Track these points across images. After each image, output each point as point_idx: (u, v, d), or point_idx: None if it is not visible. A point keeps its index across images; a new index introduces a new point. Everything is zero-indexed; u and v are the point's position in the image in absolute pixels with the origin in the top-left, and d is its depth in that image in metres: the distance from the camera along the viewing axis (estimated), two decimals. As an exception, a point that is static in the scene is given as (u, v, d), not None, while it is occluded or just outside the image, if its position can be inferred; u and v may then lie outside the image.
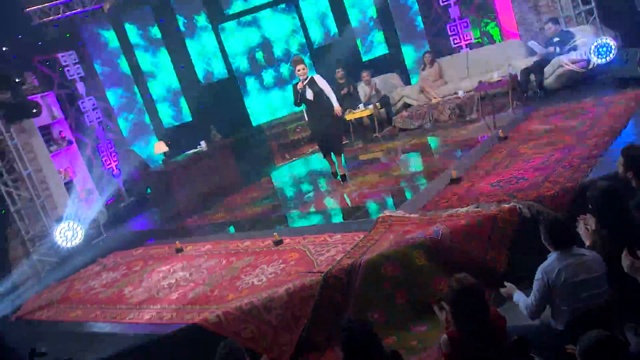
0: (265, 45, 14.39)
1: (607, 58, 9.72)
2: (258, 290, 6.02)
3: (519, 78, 10.38)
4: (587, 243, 4.33)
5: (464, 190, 6.88)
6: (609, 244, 4.09)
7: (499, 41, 13.29)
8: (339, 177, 9.28)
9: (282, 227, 8.31)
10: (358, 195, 8.63)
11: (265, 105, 14.63)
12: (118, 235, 10.69)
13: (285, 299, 5.73)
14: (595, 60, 9.77)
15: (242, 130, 13.90)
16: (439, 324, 5.63)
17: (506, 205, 5.96)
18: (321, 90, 8.81)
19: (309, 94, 8.76)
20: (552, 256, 4.08)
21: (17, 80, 10.10)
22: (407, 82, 13.70)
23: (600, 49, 9.78)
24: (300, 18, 14.28)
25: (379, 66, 13.61)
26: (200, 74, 14.15)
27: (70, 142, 12.15)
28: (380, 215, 6.79)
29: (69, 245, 9.60)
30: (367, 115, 12.00)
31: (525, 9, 12.25)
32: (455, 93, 11.52)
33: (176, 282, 7.08)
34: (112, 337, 6.28)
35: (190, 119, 13.98)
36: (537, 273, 4.12)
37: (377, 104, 12.07)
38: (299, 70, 8.76)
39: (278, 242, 7.14)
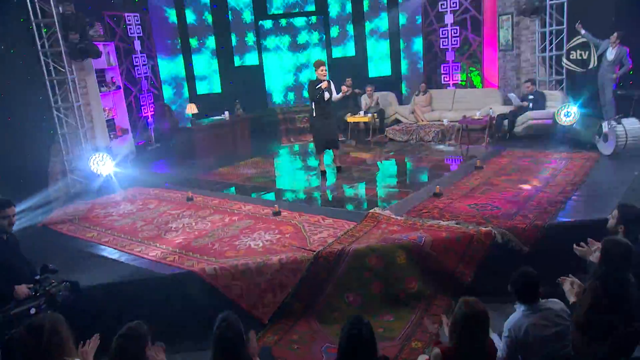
0: (292, 46, 13.43)
1: (571, 122, 9.01)
2: (254, 253, 5.24)
3: (494, 121, 9.63)
4: (572, 300, 3.60)
5: (444, 205, 6.12)
6: (597, 294, 3.34)
7: (479, 87, 12.55)
8: (325, 173, 8.37)
9: (278, 200, 7.46)
10: (340, 187, 7.82)
11: (282, 94, 13.67)
12: (141, 172, 9.75)
13: (276, 267, 4.96)
14: (560, 121, 9.05)
15: (260, 109, 12.99)
16: (403, 316, 4.94)
17: (483, 229, 5.23)
18: (331, 94, 7.97)
19: (327, 96, 7.89)
20: (519, 311, 3.35)
21: (87, 26, 9.18)
22: (401, 102, 12.85)
23: (566, 113, 9.06)
24: (327, 34, 13.36)
25: (381, 84, 12.76)
26: (236, 57, 13.15)
27: (118, 87, 11.15)
28: (370, 210, 6.00)
29: (99, 172, 8.67)
30: (364, 122, 11.19)
31: (509, 67, 11.48)
32: (440, 120, 10.74)
33: (182, 228, 6.25)
34: (118, 264, 5.40)
35: (220, 91, 13.00)
36: (504, 329, 3.39)
37: (375, 114, 11.26)
38: (322, 71, 7.84)
39: (277, 213, 6.32)
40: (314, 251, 5.06)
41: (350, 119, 11.13)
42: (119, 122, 11.22)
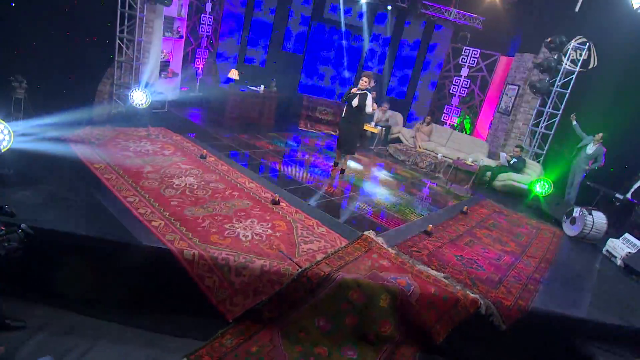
0: (333, 49, 11.46)
1: (545, 193, 7.46)
2: (239, 246, 3.61)
3: (481, 170, 8.00)
4: None
5: (433, 247, 4.53)
6: None
7: (468, 133, 10.87)
8: (338, 164, 6.78)
9: (280, 181, 5.80)
10: (342, 185, 6.17)
11: (313, 84, 11.71)
12: (174, 115, 7.97)
13: (256, 273, 3.35)
14: (535, 190, 7.49)
15: (290, 92, 11.14)
16: (366, 357, 3.41)
17: (471, 294, 3.67)
18: (364, 105, 6.17)
19: (354, 102, 6.17)
20: None
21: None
22: (404, 123, 11.10)
23: (542, 184, 7.50)
24: (363, 50, 11.40)
25: (393, 103, 11.00)
26: (285, 43, 11.16)
27: (181, 36, 9.22)
28: (364, 233, 4.37)
29: (137, 105, 6.90)
30: (373, 132, 9.46)
31: (501, 128, 9.79)
32: (434, 152, 9.08)
33: (183, 187, 4.56)
34: (103, 212, 3.73)
35: (264, 67, 11.10)
36: None
37: (383, 128, 9.55)
38: (363, 81, 6.06)
39: (275, 202, 4.68)
40: (300, 267, 3.47)
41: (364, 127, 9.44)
42: (172, 65, 9.35)
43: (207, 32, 10.09)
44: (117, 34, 7.22)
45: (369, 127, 9.32)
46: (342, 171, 6.69)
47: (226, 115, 8.10)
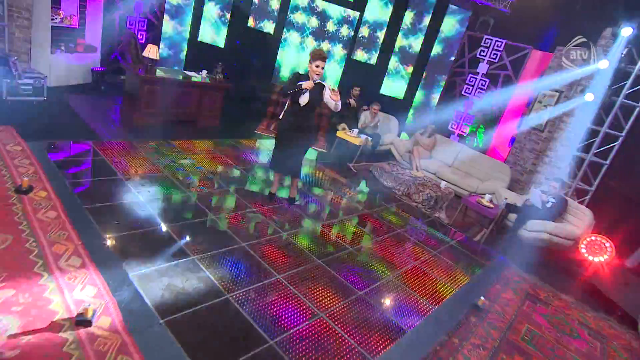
0: (318, 33, 8.78)
1: (602, 260, 4.94)
2: None
3: (503, 213, 5.42)
4: None
5: None
6: None
7: (480, 145, 8.30)
8: (274, 196, 4.37)
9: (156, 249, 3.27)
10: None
11: (287, 71, 8.97)
12: (57, 108, 5.37)
13: None
14: (587, 254, 4.99)
15: (257, 82, 8.54)
16: None
17: None
18: (319, 104, 3.90)
19: (303, 99, 3.80)
20: None
21: None
22: (399, 131, 8.47)
23: (597, 245, 5.00)
24: (355, 32, 8.69)
25: (387, 104, 8.40)
26: (251, 18, 8.48)
27: (101, -4, 6.65)
28: None
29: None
30: (354, 143, 6.88)
31: (529, 147, 7.18)
32: (438, 179, 6.48)
33: None
34: None
35: (222, 46, 8.46)
36: None
37: (369, 137, 6.95)
38: (317, 66, 3.72)
39: (82, 322, 2.11)
40: None
41: (340, 134, 6.84)
42: (88, 37, 6.79)
43: (144, -6, 7.50)
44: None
45: (350, 137, 6.75)
46: (292, 200, 4.24)
47: (139, 110, 5.51)
